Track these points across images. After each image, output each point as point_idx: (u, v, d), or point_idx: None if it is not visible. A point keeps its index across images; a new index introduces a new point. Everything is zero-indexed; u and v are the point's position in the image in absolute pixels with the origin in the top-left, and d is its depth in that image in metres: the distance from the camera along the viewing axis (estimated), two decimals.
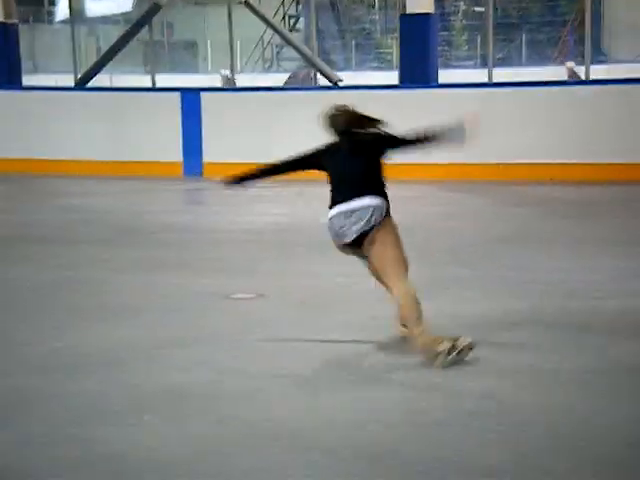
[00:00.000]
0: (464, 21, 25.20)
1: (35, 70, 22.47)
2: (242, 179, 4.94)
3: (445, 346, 4.06)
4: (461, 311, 5.09)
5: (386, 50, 23.86)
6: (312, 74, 14.74)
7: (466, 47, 25.12)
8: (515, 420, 3.56)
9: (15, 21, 12.24)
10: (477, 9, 24.71)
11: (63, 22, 25.03)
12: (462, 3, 25.29)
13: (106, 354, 4.46)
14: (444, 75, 12.59)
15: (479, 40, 23.60)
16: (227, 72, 17.34)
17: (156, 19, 13.86)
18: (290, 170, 4.73)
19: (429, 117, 10.70)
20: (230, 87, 14.16)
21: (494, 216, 8.41)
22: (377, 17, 25.79)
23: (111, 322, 5.02)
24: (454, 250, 6.83)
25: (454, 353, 4.07)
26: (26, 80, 13.24)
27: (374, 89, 11.98)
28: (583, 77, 11.67)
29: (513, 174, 10.25)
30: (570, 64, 18.15)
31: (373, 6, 25.98)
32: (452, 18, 24.84)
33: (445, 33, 23.16)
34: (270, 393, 3.93)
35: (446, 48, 23.62)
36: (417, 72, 11.31)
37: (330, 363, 4.31)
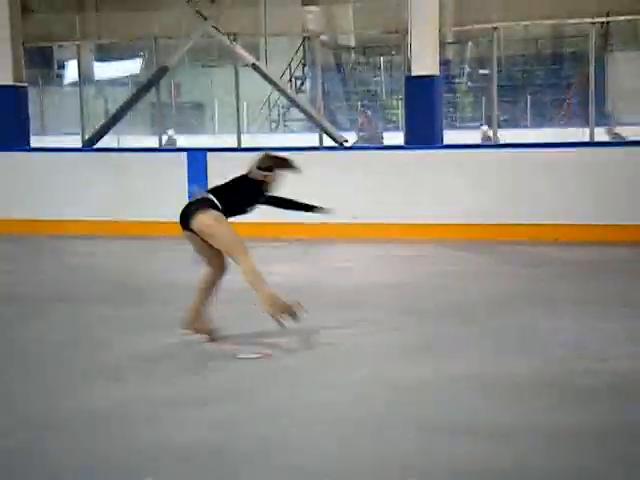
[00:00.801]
0: (469, 83, 25.48)
1: (44, 131, 22.69)
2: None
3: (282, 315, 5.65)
4: (465, 370, 5.05)
5: (392, 111, 24.11)
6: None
7: (471, 109, 25.36)
8: None
9: (24, 84, 12.40)
10: (482, 72, 25.00)
11: (72, 84, 25.37)
12: (467, 66, 25.59)
13: (114, 412, 4.43)
14: (449, 136, 12.69)
15: (484, 102, 23.85)
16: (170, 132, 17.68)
17: (164, 81, 14.04)
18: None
19: (434, 177, 10.86)
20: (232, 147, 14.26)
21: (497, 275, 8.40)
22: (382, 79, 26.08)
23: (120, 380, 4.99)
24: (457, 309, 6.81)
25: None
26: (35, 141, 13.37)
27: (380, 149, 12.05)
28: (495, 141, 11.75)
29: (516, 234, 10.27)
30: (484, 127, 18.36)
31: (379, 68, 26.28)
32: (457, 80, 25.13)
33: (450, 95, 23.39)
34: (284, 449, 3.88)
35: (451, 109, 23.83)
36: (422, 133, 11.40)
37: (334, 420, 4.27)
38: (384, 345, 5.78)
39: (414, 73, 11.45)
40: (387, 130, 18.71)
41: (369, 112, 18.06)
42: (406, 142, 11.68)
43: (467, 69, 25.83)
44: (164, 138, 16.08)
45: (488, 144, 14.56)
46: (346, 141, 13.36)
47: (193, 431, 4.16)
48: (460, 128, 21.96)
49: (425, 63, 11.33)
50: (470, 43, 24.24)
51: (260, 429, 4.21)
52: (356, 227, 10.75)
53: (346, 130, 18.64)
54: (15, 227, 11.52)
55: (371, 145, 15.95)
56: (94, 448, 3.97)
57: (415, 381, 4.93)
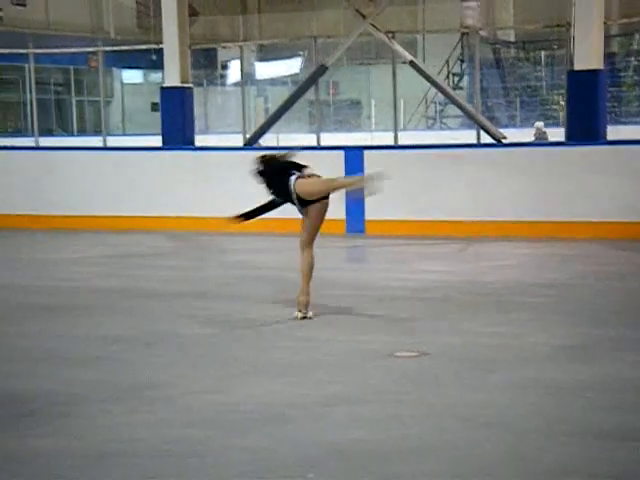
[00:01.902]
0: (635, 77, 24.56)
1: (207, 130, 23.40)
2: (245, 216, 6.74)
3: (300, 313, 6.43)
4: (628, 374, 4.90)
5: (552, 107, 23.55)
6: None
7: (638, 103, 24.44)
8: None
9: (190, 85, 12.83)
10: None
11: (234, 84, 26.05)
12: (633, 58, 24.67)
13: (271, 410, 4.52)
14: (613, 132, 12.28)
15: None
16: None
17: (322, 79, 14.20)
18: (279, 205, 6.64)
19: (596, 174, 10.55)
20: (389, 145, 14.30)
21: None
22: (543, 74, 25.49)
23: (277, 378, 5.10)
24: (617, 309, 6.60)
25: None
26: (199, 140, 13.79)
27: (539, 146, 11.79)
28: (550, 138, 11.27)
29: None
30: (539, 124, 17.78)
31: (539, 63, 25.70)
32: (622, 74, 24.26)
33: (614, 89, 22.60)
34: (437, 451, 3.88)
35: (615, 104, 23.03)
36: (585, 129, 11.08)
37: (491, 424, 4.22)
38: (541, 345, 5.66)
39: (577, 67, 11.14)
40: (547, 126, 18.26)
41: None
42: (568, 138, 11.38)
43: (633, 62, 24.88)
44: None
45: None
46: (504, 138, 13.13)
47: (351, 429, 4.20)
48: (625, 123, 21.17)
49: (589, 57, 10.99)
50: (637, 35, 23.35)
51: (416, 429, 4.20)
52: (513, 225, 10.58)
53: (505, 127, 18.34)
54: (187, 224, 11.87)
55: (530, 142, 15.60)
56: (256, 445, 4.06)
57: (573, 383, 4.82)
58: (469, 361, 5.35)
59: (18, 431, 4.24)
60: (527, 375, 5.02)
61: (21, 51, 14.40)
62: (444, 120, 25.74)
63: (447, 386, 4.88)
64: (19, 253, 10.41)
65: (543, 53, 24.82)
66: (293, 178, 6.53)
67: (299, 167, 6.69)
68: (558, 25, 13.04)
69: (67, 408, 4.57)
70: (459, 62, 26.32)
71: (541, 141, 15.77)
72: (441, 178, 11.11)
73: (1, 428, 4.29)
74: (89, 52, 19.57)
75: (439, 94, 18.72)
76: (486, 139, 12.91)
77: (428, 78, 14.19)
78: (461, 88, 25.11)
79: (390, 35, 13.32)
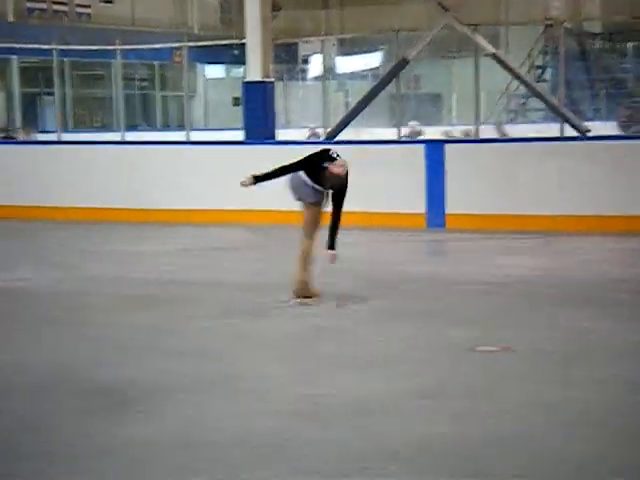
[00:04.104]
0: None
1: (288, 124, 23.55)
2: (259, 178, 6.84)
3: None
4: None
5: (639, 99, 23.05)
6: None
7: None
8: None
9: (272, 79, 12.94)
10: None
11: (315, 79, 26.17)
12: None
13: (355, 403, 4.56)
14: None
15: None
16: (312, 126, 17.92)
17: (403, 73, 14.19)
18: (297, 169, 6.84)
19: None
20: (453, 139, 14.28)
21: None
22: (629, 65, 24.96)
23: (361, 371, 5.14)
24: None
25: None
26: (280, 135, 13.90)
27: (624, 139, 11.59)
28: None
29: None
30: (413, 123, 17.77)
31: (626, 54, 25.17)
32: None
33: None
34: (519, 447, 3.87)
35: None
36: None
37: (572, 420, 4.20)
38: (625, 342, 5.58)
39: None
40: (634, 119, 17.87)
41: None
42: None
43: None
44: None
45: None
46: (589, 131, 12.93)
47: (433, 424, 4.23)
48: None
49: None
50: None
51: (497, 424, 4.20)
52: (597, 219, 10.43)
53: (589, 120, 18.03)
54: (259, 217, 11.99)
55: (615, 135, 15.33)
56: (340, 437, 4.12)
57: None
58: (551, 356, 5.32)
59: (110, 421, 4.37)
60: (610, 371, 4.97)
61: (109, 47, 14.73)
62: (527, 113, 25.41)
63: (529, 381, 4.86)
64: (109, 245, 10.65)
65: (630, 44, 24.30)
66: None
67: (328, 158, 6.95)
68: None
69: (160, 398, 4.69)
70: (542, 54, 25.94)
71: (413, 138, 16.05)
72: (523, 172, 10.99)
73: (94, 418, 4.42)
74: (173, 47, 19.90)
75: (521, 87, 18.51)
76: (570, 132, 12.74)
77: (511, 71, 14.07)
78: (545, 81, 24.76)
79: (472, 28, 13.24)
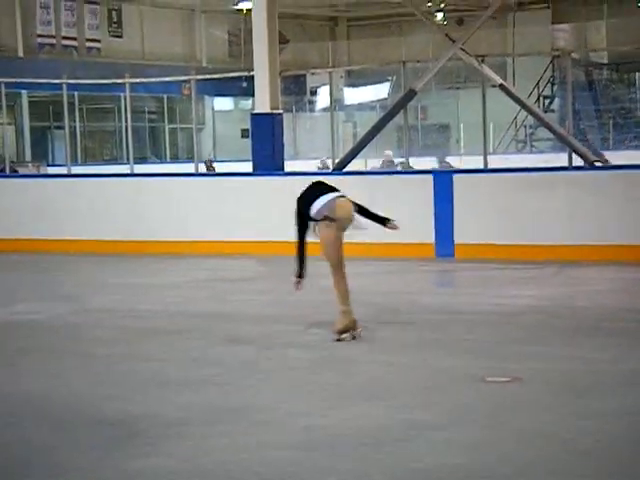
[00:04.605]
0: None
1: (297, 156, 23.64)
2: (300, 273, 6.93)
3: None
4: None
5: None
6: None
7: None
8: None
9: (280, 111, 13.00)
10: None
11: (322, 110, 26.31)
12: None
13: (363, 434, 4.53)
14: None
15: None
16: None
17: (411, 104, 14.23)
18: (303, 223, 6.85)
19: None
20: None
21: None
22: (637, 95, 25.04)
23: (368, 402, 5.11)
24: None
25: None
26: (288, 166, 13.93)
27: (633, 169, 11.56)
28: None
29: None
30: (388, 153, 17.99)
31: (633, 84, 25.26)
32: None
33: None
34: (534, 477, 3.84)
35: None
36: None
37: (585, 452, 4.15)
38: (637, 372, 5.54)
39: None
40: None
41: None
42: None
43: None
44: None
45: None
46: (597, 161, 12.93)
47: (442, 454, 4.19)
48: None
49: None
50: None
51: (509, 455, 4.17)
52: (606, 248, 10.39)
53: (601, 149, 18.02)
54: (266, 249, 11.98)
55: (623, 164, 15.32)
56: (348, 468, 4.09)
57: None
58: (562, 386, 5.28)
59: (124, 452, 4.35)
60: (624, 402, 4.93)
61: (118, 81, 14.83)
62: (534, 143, 25.47)
63: (540, 411, 4.83)
64: (117, 277, 10.66)
65: (637, 74, 24.40)
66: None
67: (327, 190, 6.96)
68: None
69: (169, 430, 4.67)
70: (550, 84, 26.05)
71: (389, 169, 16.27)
72: (531, 202, 10.99)
73: (108, 449, 4.40)
74: (182, 81, 20.04)
75: (529, 117, 18.56)
76: (578, 162, 12.74)
77: (518, 101, 14.10)
78: (552, 111, 24.85)
79: (480, 59, 13.29)
